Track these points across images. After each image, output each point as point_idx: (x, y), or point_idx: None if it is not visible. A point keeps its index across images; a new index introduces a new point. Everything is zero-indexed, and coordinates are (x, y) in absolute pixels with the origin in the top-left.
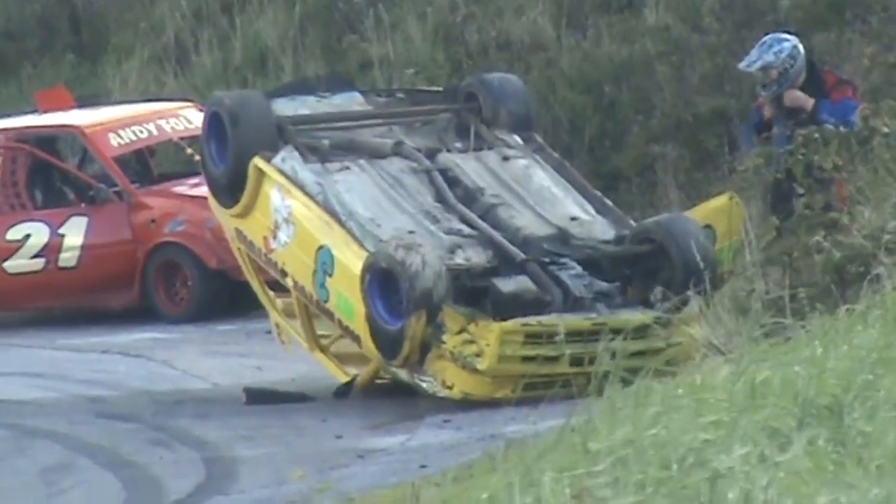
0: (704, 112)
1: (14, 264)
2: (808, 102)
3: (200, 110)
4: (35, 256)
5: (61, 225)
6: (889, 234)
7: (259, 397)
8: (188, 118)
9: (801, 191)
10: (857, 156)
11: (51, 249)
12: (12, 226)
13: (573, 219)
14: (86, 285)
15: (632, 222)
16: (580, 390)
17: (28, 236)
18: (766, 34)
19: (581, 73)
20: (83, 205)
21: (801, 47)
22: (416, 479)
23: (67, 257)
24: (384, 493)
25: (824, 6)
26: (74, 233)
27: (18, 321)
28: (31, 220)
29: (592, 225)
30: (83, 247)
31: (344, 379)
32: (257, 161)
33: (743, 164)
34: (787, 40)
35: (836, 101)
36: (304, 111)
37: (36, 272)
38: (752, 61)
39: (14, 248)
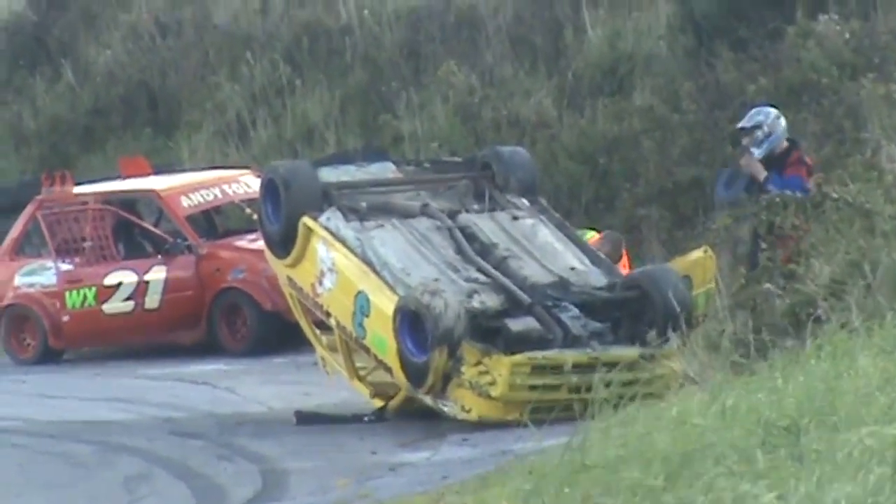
0: (683, 180)
1: (111, 306)
2: (761, 174)
3: (258, 177)
4: (127, 299)
5: (146, 273)
6: (835, 284)
7: (308, 419)
8: (248, 183)
9: (764, 246)
10: (811, 217)
11: (139, 294)
12: (108, 273)
13: (572, 269)
14: (165, 324)
15: (621, 272)
16: (579, 414)
17: (120, 283)
18: (739, 113)
19: (579, 147)
20: (160, 256)
21: (782, 119)
22: (440, 489)
23: (151, 300)
24: (412, 500)
25: (784, 91)
26: (156, 280)
27: (103, 354)
28: (123, 268)
29: (588, 274)
30: (163, 291)
31: (378, 404)
32: (306, 220)
33: (714, 223)
34: (771, 111)
35: (788, 176)
36: (346, 178)
37: (127, 313)
38: (746, 120)
39: (110, 293)
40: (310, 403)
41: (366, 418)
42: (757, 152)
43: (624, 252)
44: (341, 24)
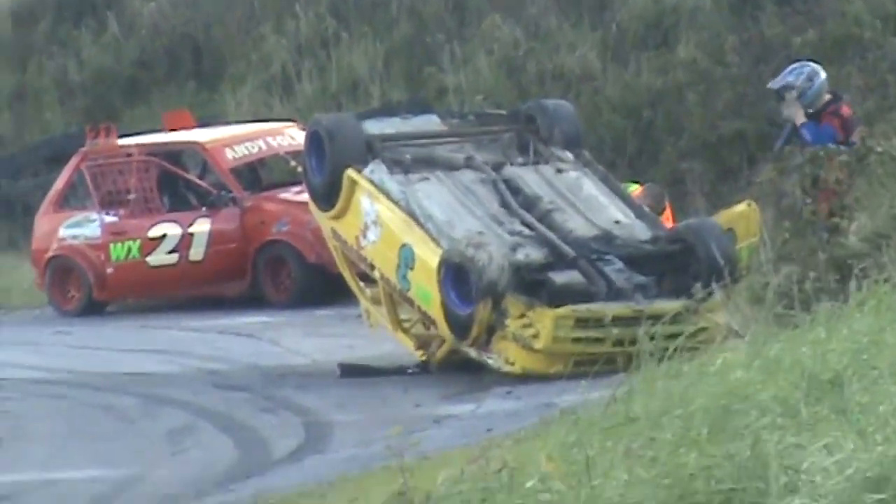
0: (726, 133)
1: (155, 258)
2: (799, 119)
3: (302, 129)
4: (171, 252)
5: (190, 225)
6: (879, 237)
7: (351, 371)
8: (292, 136)
9: (808, 200)
10: (855, 171)
11: (183, 246)
12: (153, 225)
13: (616, 222)
14: (209, 276)
15: (665, 225)
16: (622, 367)
17: (165, 235)
18: (783, 67)
19: (623, 100)
20: (204, 209)
21: (822, 74)
22: (484, 441)
23: (196, 253)
24: (456, 452)
25: (828, 45)
26: (200, 232)
27: (147, 307)
28: (167, 220)
29: (632, 227)
30: (207, 244)
31: (422, 357)
32: (350, 172)
33: (758, 177)
34: (809, 66)
35: (822, 124)
36: (390, 130)
37: (172, 265)
38: (776, 81)
39: (155, 245)
40: (353, 356)
41: (409, 370)
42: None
43: (667, 205)
44: None
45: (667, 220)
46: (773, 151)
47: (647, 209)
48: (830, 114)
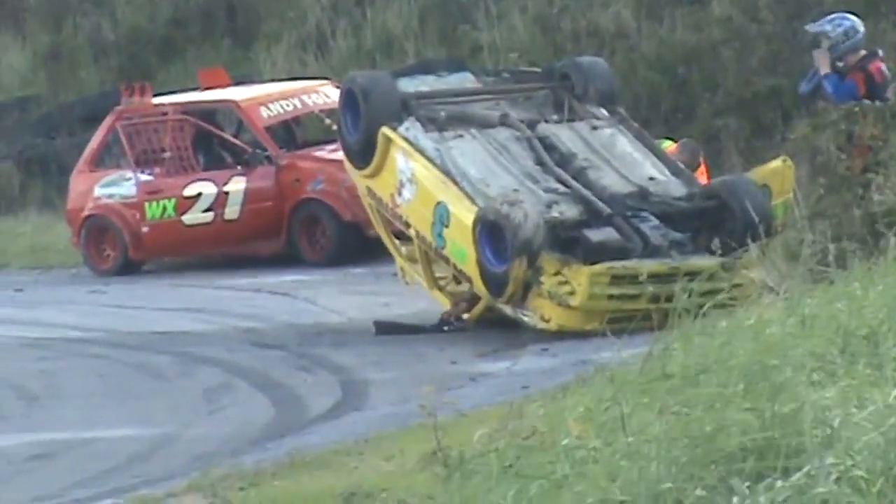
0: (761, 90)
1: (190, 217)
2: (823, 68)
3: (337, 87)
4: (206, 210)
5: (225, 184)
6: None
7: (387, 329)
8: (327, 94)
9: (842, 156)
10: (889, 127)
11: (218, 204)
12: (188, 184)
13: (651, 179)
14: (244, 235)
15: (700, 182)
16: (658, 324)
17: (200, 193)
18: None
19: (658, 57)
20: (239, 167)
21: (860, 30)
22: (520, 398)
23: (231, 211)
24: (492, 409)
25: (863, 1)
26: (236, 190)
27: (184, 265)
28: (202, 179)
29: (667, 184)
30: (242, 202)
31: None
32: (385, 130)
33: (793, 133)
34: (849, 20)
35: (846, 80)
36: (425, 88)
37: (207, 223)
38: (814, 25)
39: (190, 203)
40: (389, 314)
41: (445, 328)
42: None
43: (702, 160)
44: None
45: (702, 176)
46: (799, 91)
47: (682, 166)
48: (857, 69)
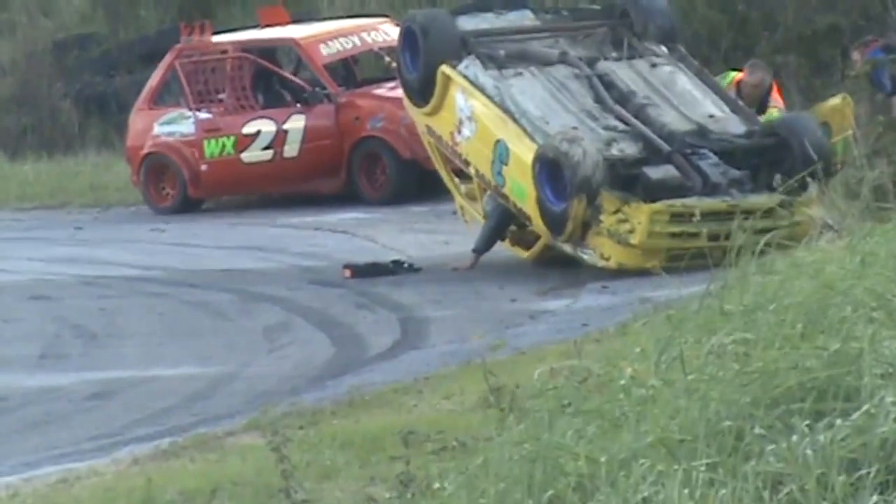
0: (821, 27)
1: (249, 155)
2: None
3: (397, 25)
4: (266, 148)
5: (285, 122)
6: None
7: (362, 271)
8: (386, 32)
9: None
10: None
11: (278, 142)
12: (247, 122)
13: (710, 116)
14: (304, 173)
15: (760, 119)
16: (717, 262)
17: (259, 131)
18: None
19: None
20: (298, 105)
21: None
22: (579, 336)
23: (290, 149)
24: (552, 347)
25: None
26: (295, 128)
27: (243, 204)
28: (261, 117)
29: (727, 122)
30: (302, 140)
31: (519, 253)
32: (444, 68)
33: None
34: None
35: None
36: (484, 26)
37: (266, 161)
38: None
39: (249, 141)
40: (448, 252)
41: (405, 264)
42: None
43: (773, 81)
44: None
45: (777, 95)
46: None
47: (740, 103)
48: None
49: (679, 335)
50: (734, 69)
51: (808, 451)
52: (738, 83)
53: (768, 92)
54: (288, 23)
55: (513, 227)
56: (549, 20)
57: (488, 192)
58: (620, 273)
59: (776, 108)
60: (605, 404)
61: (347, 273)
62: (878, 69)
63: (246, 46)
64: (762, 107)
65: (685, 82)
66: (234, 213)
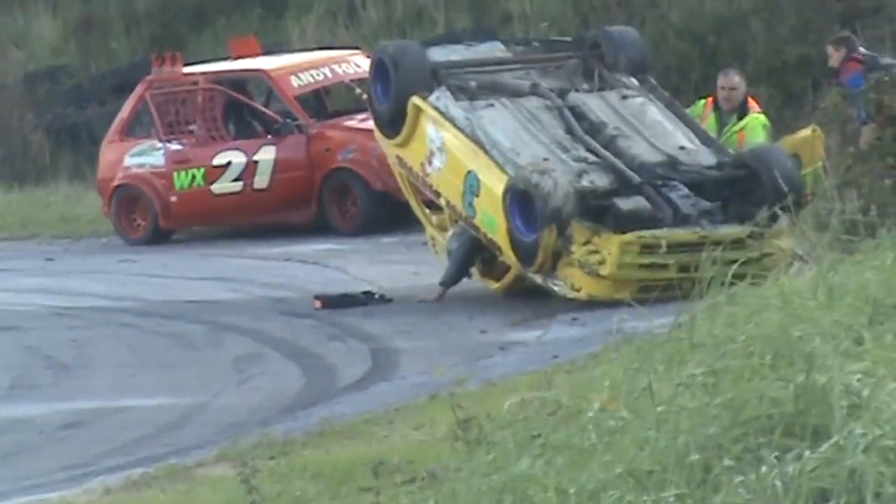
0: (791, 59)
1: (220, 186)
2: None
3: (367, 57)
4: (236, 179)
5: (255, 153)
6: None
7: (333, 302)
8: (357, 63)
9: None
10: None
11: (248, 174)
12: (217, 153)
13: (681, 148)
14: (274, 204)
15: (730, 151)
16: (686, 293)
17: (230, 163)
18: None
19: (688, 26)
20: (269, 136)
21: None
22: (550, 368)
23: (261, 180)
24: (522, 379)
25: None
26: (265, 160)
27: (214, 234)
28: (231, 148)
29: (697, 153)
30: (272, 171)
31: (489, 284)
32: (415, 99)
33: (823, 102)
34: None
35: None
36: (455, 57)
37: (236, 193)
38: None
39: (219, 173)
40: (419, 283)
41: (376, 295)
42: None
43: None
44: None
45: (755, 104)
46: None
47: (710, 134)
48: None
49: (648, 366)
50: (704, 97)
51: (777, 483)
52: (714, 98)
53: (745, 100)
54: (259, 54)
55: (479, 261)
56: (519, 52)
57: (451, 231)
58: (591, 304)
59: (759, 112)
60: (574, 436)
61: (318, 304)
62: (852, 99)
63: (217, 78)
64: (742, 113)
65: (656, 114)
66: (205, 244)
